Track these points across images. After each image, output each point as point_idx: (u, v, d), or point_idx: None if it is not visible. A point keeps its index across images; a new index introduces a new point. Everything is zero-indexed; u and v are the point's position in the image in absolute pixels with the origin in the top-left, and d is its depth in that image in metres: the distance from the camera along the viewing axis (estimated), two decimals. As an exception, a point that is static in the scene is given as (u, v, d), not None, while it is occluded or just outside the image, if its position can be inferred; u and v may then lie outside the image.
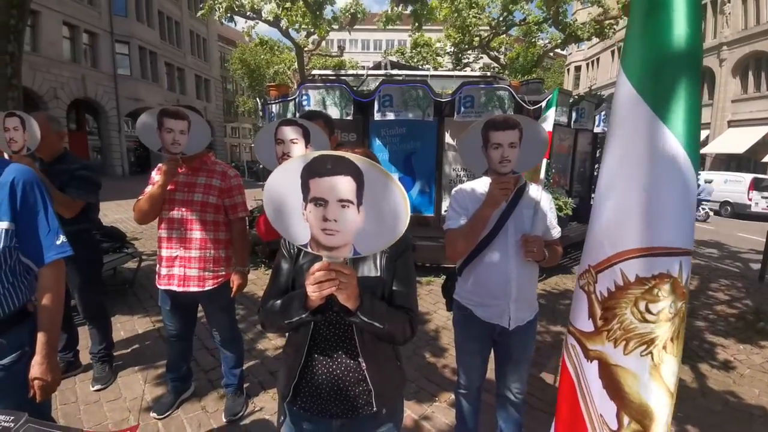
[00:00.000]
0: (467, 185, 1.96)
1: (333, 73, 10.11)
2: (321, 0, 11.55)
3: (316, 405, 1.24)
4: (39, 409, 1.41)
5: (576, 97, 7.61)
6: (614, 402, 1.30)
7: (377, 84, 5.91)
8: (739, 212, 14.91)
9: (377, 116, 5.81)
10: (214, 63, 35.44)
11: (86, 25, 21.65)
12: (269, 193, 1.00)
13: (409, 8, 11.00)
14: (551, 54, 22.35)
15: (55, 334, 1.44)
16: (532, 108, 5.76)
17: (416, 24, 11.60)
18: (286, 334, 1.38)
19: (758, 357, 3.69)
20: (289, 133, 1.88)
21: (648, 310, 1.23)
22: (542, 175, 2.00)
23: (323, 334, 1.23)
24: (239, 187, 2.42)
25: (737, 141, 20.53)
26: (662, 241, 1.21)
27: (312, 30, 13.25)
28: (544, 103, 5.63)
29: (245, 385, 2.78)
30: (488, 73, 9.97)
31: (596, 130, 7.75)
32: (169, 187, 2.22)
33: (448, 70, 17.51)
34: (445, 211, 6.36)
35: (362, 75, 8.09)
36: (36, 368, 1.37)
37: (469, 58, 20.85)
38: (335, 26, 13.51)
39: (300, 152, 1.86)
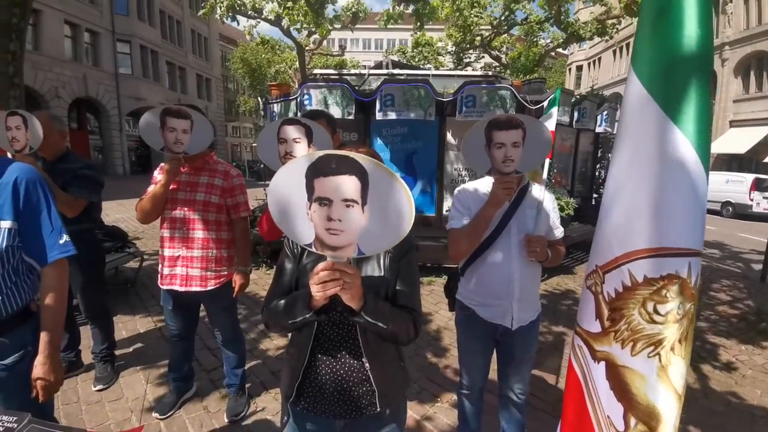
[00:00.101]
0: (470, 185, 1.95)
1: (335, 72, 10.10)
2: (322, -1, 11.56)
3: (319, 405, 1.24)
4: (41, 410, 1.41)
5: (578, 96, 7.59)
6: (621, 403, 1.29)
7: (379, 83, 5.90)
8: (740, 212, 14.86)
9: (379, 116, 5.80)
10: (215, 62, 35.45)
11: (88, 24, 21.67)
12: (274, 192, 1.00)
13: (411, 7, 10.99)
14: (553, 53, 22.33)
15: (58, 333, 1.44)
16: (534, 108, 5.75)
17: (418, 23, 11.59)
18: (289, 334, 1.38)
19: (760, 358, 3.68)
20: (292, 132, 1.87)
21: (656, 311, 1.22)
22: (545, 175, 2.00)
23: (327, 334, 1.23)
24: (241, 186, 2.42)
25: (739, 141, 20.48)
26: (672, 242, 1.20)
27: (313, 29, 13.25)
28: (545, 103, 5.62)
29: (247, 386, 2.77)
30: (490, 73, 9.94)
31: (598, 129, 7.72)
32: (171, 187, 2.22)
33: (450, 69, 17.49)
34: (447, 210, 6.39)
35: (364, 74, 8.07)
36: (39, 368, 1.37)
37: (470, 58, 20.84)
38: (337, 25, 13.51)
39: (303, 151, 1.85)
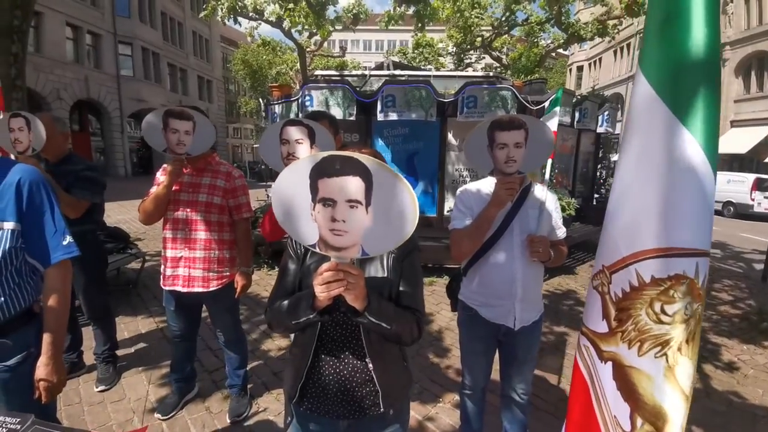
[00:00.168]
0: (472, 185, 1.95)
1: (336, 73, 10.12)
2: (323, 0, 11.56)
3: (323, 406, 1.24)
4: (44, 411, 1.41)
5: (579, 97, 7.59)
6: (628, 403, 1.29)
7: (380, 84, 5.91)
8: (741, 212, 14.84)
9: (380, 116, 5.80)
10: (216, 64, 35.50)
11: (89, 26, 21.70)
12: (278, 193, 1.00)
13: (412, 8, 11.00)
14: (553, 54, 22.32)
15: (61, 335, 1.43)
16: (535, 108, 5.75)
17: (419, 24, 11.60)
18: (292, 335, 1.38)
19: (762, 357, 3.67)
20: (294, 133, 1.88)
21: (663, 312, 1.21)
22: (546, 175, 2.00)
23: (330, 335, 1.23)
24: (243, 187, 2.43)
25: (740, 141, 20.44)
26: (680, 242, 1.19)
27: (314, 31, 13.27)
28: (547, 103, 5.62)
29: (249, 386, 2.78)
30: (491, 74, 9.95)
31: (599, 130, 7.72)
32: (173, 188, 2.22)
33: (451, 70, 17.52)
34: (448, 211, 6.39)
35: (365, 75, 8.09)
36: (42, 369, 1.36)
37: (471, 59, 20.84)
38: (338, 27, 13.53)
39: (305, 152, 1.85)
